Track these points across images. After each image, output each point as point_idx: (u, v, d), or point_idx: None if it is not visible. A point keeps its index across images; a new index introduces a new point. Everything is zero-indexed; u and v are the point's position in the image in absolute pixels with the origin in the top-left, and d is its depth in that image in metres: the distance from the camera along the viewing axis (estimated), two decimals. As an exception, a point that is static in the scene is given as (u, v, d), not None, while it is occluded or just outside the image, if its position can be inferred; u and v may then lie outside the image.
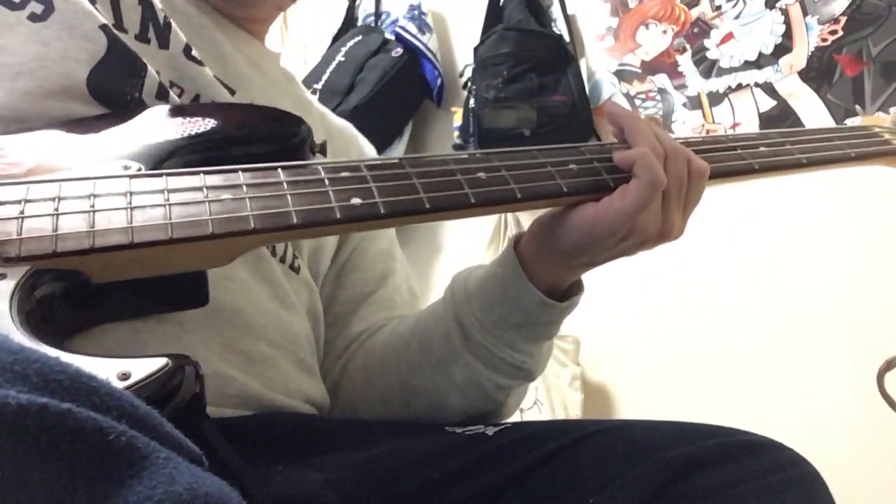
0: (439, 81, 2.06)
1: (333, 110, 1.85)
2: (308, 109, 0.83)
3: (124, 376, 0.38)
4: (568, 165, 0.60)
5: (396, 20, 2.08)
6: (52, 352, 0.36)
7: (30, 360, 0.30)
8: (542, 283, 0.64)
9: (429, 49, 2.04)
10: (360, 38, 2.08)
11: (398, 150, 2.06)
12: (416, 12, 2.06)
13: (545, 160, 0.59)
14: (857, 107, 1.50)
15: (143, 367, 0.39)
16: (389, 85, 1.98)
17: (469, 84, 1.92)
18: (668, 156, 0.60)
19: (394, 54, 2.01)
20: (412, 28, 2.04)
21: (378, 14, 2.14)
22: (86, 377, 0.30)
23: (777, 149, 0.70)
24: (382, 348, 0.76)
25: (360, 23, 2.17)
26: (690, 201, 0.63)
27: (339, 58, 2.03)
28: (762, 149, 0.69)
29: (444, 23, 2.15)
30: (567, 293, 0.65)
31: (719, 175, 0.65)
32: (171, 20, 0.68)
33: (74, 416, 0.28)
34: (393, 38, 2.06)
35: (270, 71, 0.80)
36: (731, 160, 0.67)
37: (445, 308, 0.69)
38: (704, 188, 0.63)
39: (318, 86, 1.97)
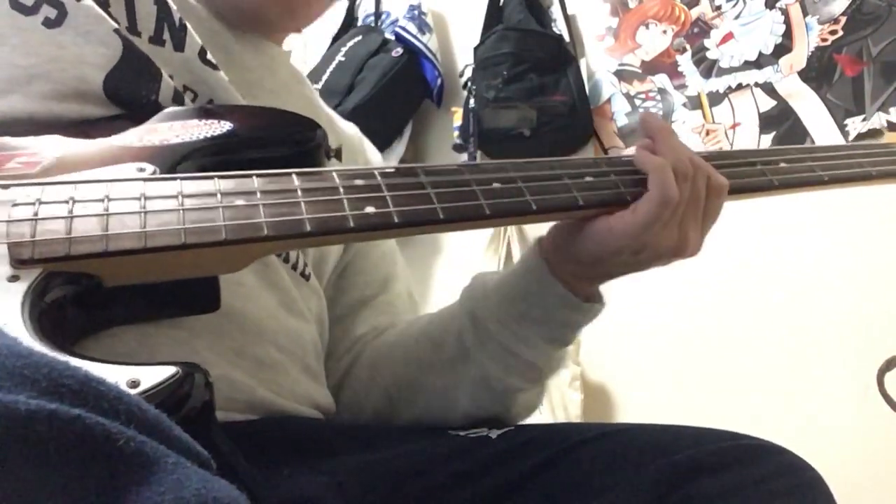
0: (439, 81, 2.06)
1: (333, 110, 1.86)
2: (316, 113, 0.82)
3: (134, 384, 0.38)
4: (584, 178, 0.59)
5: (396, 20, 2.08)
6: (61, 357, 0.36)
7: (39, 364, 0.30)
8: (563, 285, 0.64)
9: (429, 49, 2.04)
10: (360, 38, 2.07)
11: (398, 150, 2.06)
12: (416, 12, 2.06)
13: (562, 171, 0.59)
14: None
15: (152, 376, 0.39)
16: (389, 85, 1.98)
17: (469, 84, 1.92)
18: (691, 173, 0.60)
19: (394, 54, 2.01)
20: (412, 28, 2.04)
21: (378, 14, 2.14)
22: (95, 381, 0.30)
23: (797, 165, 0.69)
24: (391, 347, 0.76)
25: (360, 23, 2.17)
26: (708, 217, 0.62)
27: (339, 58, 2.03)
28: (782, 165, 0.68)
29: (444, 23, 2.15)
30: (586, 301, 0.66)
31: (738, 191, 0.65)
32: (186, 22, 0.67)
33: (83, 421, 0.28)
34: (393, 38, 2.06)
35: (280, 73, 0.79)
36: (750, 176, 0.66)
37: (461, 306, 0.69)
38: (723, 204, 0.63)
39: (318, 86, 1.97)
